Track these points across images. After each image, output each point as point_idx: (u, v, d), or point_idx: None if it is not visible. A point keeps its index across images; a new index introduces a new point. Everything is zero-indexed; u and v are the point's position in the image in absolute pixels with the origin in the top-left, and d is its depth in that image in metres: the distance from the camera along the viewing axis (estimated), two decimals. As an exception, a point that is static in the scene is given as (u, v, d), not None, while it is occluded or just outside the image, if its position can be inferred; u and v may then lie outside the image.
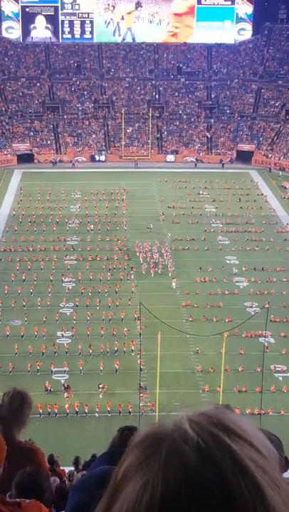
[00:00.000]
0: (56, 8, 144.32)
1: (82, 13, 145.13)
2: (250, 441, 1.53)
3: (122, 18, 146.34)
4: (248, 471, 1.47)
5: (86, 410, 52.69)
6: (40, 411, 51.62)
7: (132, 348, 60.75)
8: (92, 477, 4.42)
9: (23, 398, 6.32)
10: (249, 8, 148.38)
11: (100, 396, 54.52)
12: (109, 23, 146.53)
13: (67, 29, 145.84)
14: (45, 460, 7.28)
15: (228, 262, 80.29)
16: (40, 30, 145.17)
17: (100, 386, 55.31)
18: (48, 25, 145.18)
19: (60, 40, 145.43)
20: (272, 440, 4.23)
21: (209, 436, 1.51)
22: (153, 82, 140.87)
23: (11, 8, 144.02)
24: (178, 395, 54.29)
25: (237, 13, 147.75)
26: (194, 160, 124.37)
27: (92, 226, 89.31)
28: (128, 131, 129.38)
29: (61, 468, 18.05)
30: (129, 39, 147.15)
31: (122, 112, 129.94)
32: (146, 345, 58.84)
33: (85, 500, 4.06)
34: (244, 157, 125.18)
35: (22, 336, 62.19)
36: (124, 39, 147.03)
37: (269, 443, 1.60)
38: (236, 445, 1.50)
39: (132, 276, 75.90)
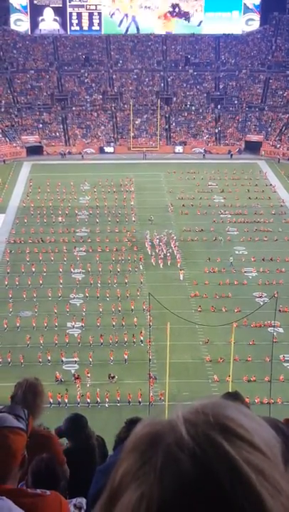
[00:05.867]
0: (64, 1, 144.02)
1: (90, 5, 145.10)
2: (249, 440, 1.46)
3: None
4: (246, 480, 1.40)
5: (98, 400, 53.10)
6: (51, 401, 52.17)
7: (142, 338, 61.17)
8: (116, 462, 4.68)
9: (35, 389, 6.35)
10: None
11: (88, 385, 54.88)
12: (113, 13, 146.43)
13: (75, 21, 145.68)
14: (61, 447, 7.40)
15: (236, 252, 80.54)
16: (49, 23, 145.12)
17: (87, 376, 55.89)
18: (56, 18, 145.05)
19: (69, 32, 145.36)
20: (279, 429, 4.37)
21: (205, 441, 1.43)
22: (161, 73, 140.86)
23: (19, 0, 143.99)
24: (187, 384, 54.77)
25: (245, 4, 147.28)
26: (203, 151, 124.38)
27: (98, 218, 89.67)
28: (136, 122, 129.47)
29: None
30: (133, 30, 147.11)
31: (131, 103, 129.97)
32: (156, 336, 59.25)
33: None
34: (252, 148, 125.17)
35: (34, 328, 62.66)
36: (127, 29, 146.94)
37: (271, 436, 1.52)
38: (234, 449, 1.43)
39: (141, 267, 76.26)
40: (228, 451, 1.42)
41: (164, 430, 1.49)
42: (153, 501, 1.41)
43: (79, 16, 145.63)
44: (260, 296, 69.47)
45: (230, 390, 47.62)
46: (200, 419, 1.48)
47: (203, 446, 1.43)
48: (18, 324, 63.41)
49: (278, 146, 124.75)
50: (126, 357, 58.71)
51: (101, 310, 65.97)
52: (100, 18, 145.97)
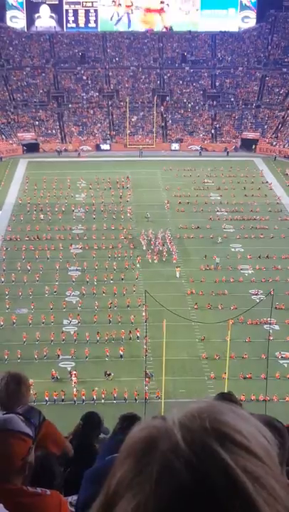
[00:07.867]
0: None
1: (86, 2, 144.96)
2: (246, 446, 1.43)
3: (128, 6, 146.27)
4: (243, 489, 1.37)
5: (94, 397, 53.04)
6: (47, 398, 52.16)
7: (138, 335, 61.17)
8: (105, 467, 4.64)
9: (19, 380, 6.28)
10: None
11: (73, 384, 54.83)
12: (113, 16, 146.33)
13: (71, 18, 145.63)
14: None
15: (233, 250, 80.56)
16: (45, 20, 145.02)
17: (74, 373, 55.87)
18: (53, 15, 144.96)
19: (65, 30, 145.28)
20: (276, 429, 4.42)
21: (201, 449, 1.40)
22: (157, 70, 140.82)
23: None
24: (183, 382, 54.83)
25: (241, 1, 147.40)
26: (199, 148, 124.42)
27: (94, 216, 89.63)
28: (133, 119, 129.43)
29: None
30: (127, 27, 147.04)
31: (127, 100, 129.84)
32: (152, 333, 59.21)
33: (99, 492, 4.25)
34: (249, 145, 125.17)
35: (30, 325, 62.60)
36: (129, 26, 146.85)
37: (269, 439, 1.50)
38: (230, 456, 1.40)
39: (138, 265, 76.26)
40: (224, 459, 1.39)
41: (159, 435, 1.45)
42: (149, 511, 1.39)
43: (75, 13, 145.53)
44: (256, 294, 69.50)
45: (226, 387, 47.75)
46: (196, 424, 1.45)
47: (199, 454, 1.40)
48: (14, 321, 63.41)
49: (274, 143, 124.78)
50: (122, 354, 58.74)
51: (97, 307, 65.98)
52: (96, 16, 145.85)
